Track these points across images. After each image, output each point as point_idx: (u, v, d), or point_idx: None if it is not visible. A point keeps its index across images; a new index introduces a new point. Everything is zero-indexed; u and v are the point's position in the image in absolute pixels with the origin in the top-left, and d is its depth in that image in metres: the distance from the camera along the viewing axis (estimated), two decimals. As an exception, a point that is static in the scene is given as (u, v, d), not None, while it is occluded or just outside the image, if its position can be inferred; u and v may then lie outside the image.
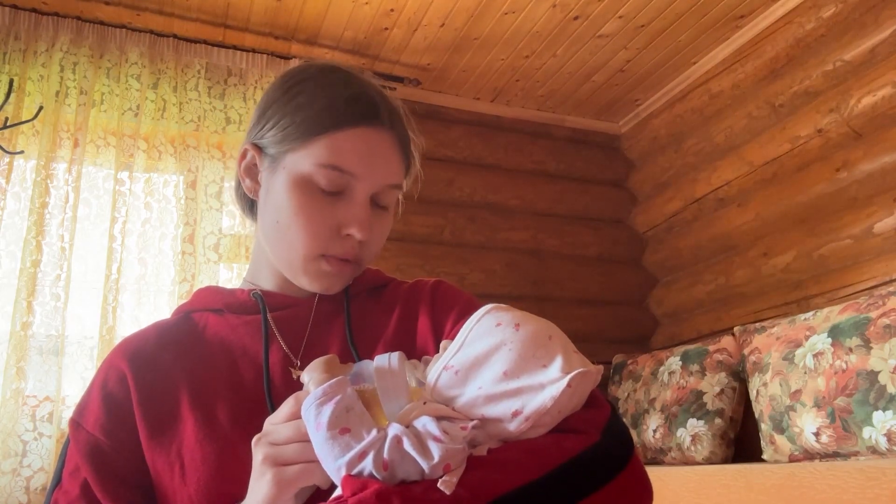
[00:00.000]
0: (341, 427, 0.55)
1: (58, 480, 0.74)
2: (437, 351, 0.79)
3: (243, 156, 0.83)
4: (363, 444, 0.54)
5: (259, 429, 0.65)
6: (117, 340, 2.13)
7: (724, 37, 2.61)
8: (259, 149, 0.81)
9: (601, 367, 0.61)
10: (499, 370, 0.58)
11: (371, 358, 0.77)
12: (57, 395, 2.04)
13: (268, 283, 0.85)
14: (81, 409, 0.75)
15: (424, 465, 0.52)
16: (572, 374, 0.56)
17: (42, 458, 1.99)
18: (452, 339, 0.77)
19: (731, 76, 2.65)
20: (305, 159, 0.76)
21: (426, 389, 0.61)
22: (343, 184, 0.77)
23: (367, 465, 0.53)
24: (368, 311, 0.84)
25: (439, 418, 0.56)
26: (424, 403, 0.58)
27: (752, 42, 2.55)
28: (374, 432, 0.55)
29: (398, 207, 0.87)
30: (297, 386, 0.73)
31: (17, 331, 2.04)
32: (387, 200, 0.81)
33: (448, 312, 0.81)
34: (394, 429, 0.55)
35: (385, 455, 0.53)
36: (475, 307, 0.81)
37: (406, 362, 0.62)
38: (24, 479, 1.96)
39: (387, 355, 0.61)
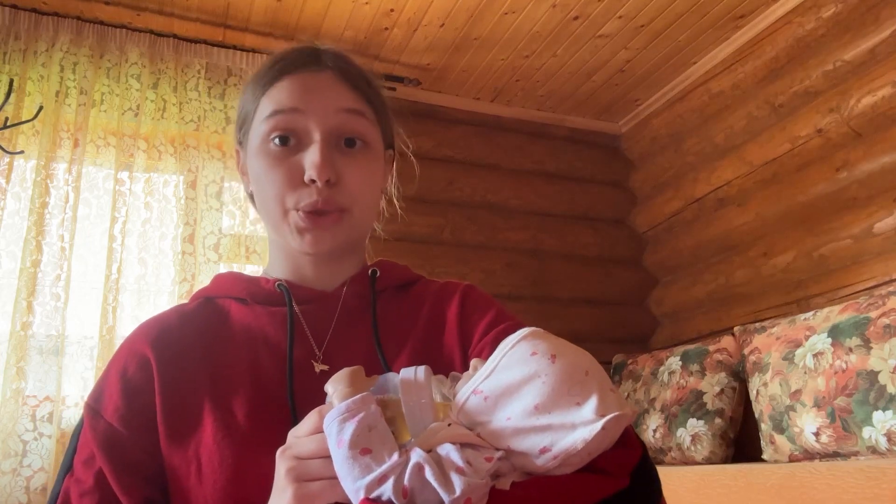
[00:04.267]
0: (363, 447, 0.54)
1: (69, 467, 0.72)
2: (464, 362, 0.77)
3: (237, 157, 0.87)
4: (384, 467, 0.53)
5: (278, 427, 0.64)
6: (117, 340, 2.13)
7: (724, 37, 2.61)
8: (241, 144, 0.85)
9: (636, 408, 0.59)
10: (530, 403, 0.55)
11: (396, 360, 0.76)
12: (57, 395, 2.04)
13: (287, 275, 0.83)
14: (98, 394, 0.73)
15: (445, 497, 0.51)
16: (607, 417, 0.54)
17: (42, 458, 1.99)
18: (479, 351, 0.76)
19: (731, 76, 2.65)
20: (257, 124, 0.79)
21: (453, 409, 0.59)
22: (292, 126, 0.77)
23: (387, 491, 0.51)
24: (396, 309, 0.83)
25: (463, 445, 0.55)
26: (449, 425, 0.57)
27: (752, 42, 2.55)
28: (395, 456, 0.53)
29: (379, 150, 0.83)
30: (320, 381, 0.71)
31: (17, 331, 2.04)
32: (350, 131, 0.78)
33: (478, 321, 0.79)
34: (416, 455, 0.53)
35: (405, 482, 0.52)
36: (506, 317, 0.79)
37: (432, 377, 0.60)
38: (24, 479, 1.96)
39: (413, 369, 0.59)
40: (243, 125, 0.83)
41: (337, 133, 0.78)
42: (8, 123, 2.16)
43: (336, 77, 0.80)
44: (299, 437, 0.59)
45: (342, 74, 0.80)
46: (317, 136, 0.76)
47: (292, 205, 0.76)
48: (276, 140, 0.77)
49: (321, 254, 0.79)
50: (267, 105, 0.78)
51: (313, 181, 0.75)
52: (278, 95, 0.78)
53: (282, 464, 0.58)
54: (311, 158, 0.75)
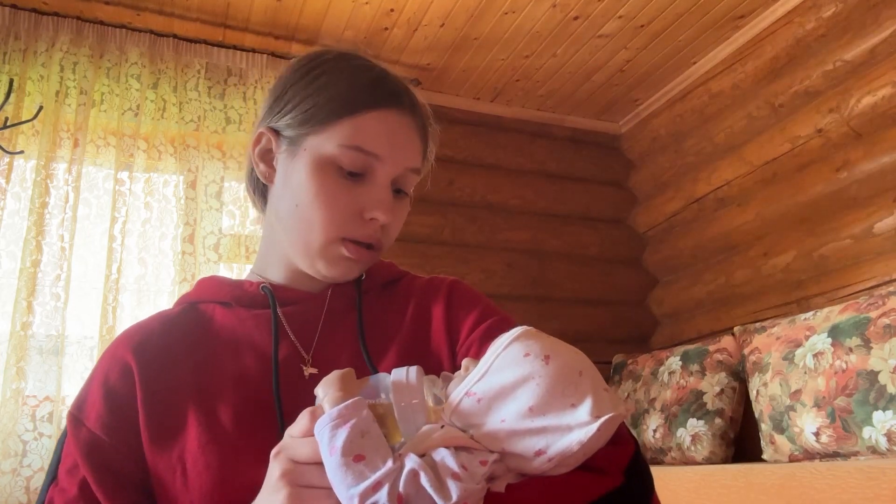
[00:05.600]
0: (356, 454, 0.52)
1: (53, 476, 0.71)
2: (452, 359, 0.76)
3: (258, 140, 0.81)
4: (378, 474, 0.52)
5: (264, 430, 0.64)
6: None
7: (724, 37, 2.61)
8: (276, 132, 0.80)
9: (630, 406, 0.59)
10: (524, 405, 0.55)
11: (382, 360, 0.75)
12: (57, 395, 2.04)
13: (277, 276, 0.82)
14: (80, 403, 0.72)
15: None
16: (603, 419, 0.54)
17: (42, 458, 1.99)
18: (467, 349, 0.75)
19: (731, 76, 2.65)
20: (328, 141, 0.75)
21: (446, 411, 0.58)
22: (365, 166, 0.76)
23: (382, 498, 0.51)
24: (381, 308, 0.82)
25: (458, 448, 0.54)
26: (442, 427, 0.56)
27: (752, 42, 2.55)
28: (389, 463, 0.52)
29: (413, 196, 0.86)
30: (308, 384, 0.71)
31: (17, 331, 2.04)
32: (406, 185, 0.80)
33: (464, 317, 0.79)
34: (411, 461, 0.53)
35: (400, 489, 0.51)
36: (493, 313, 0.79)
37: (424, 378, 0.59)
38: (24, 479, 1.96)
39: (404, 369, 0.58)
40: (303, 122, 0.77)
41: (397, 183, 0.80)
42: (8, 123, 2.16)
43: (414, 127, 0.80)
44: (294, 436, 0.58)
45: (419, 122, 0.81)
46: (384, 180, 0.77)
47: (343, 234, 0.76)
48: (345, 166, 0.76)
49: (340, 281, 0.81)
50: (351, 133, 0.75)
51: (373, 219, 0.76)
52: (367, 131, 0.76)
53: (277, 465, 0.57)
54: (378, 197, 0.76)
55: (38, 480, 1.97)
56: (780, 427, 1.87)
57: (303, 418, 0.58)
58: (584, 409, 0.55)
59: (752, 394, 2.04)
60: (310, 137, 0.76)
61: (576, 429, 0.54)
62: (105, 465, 0.69)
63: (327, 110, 0.76)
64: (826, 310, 1.92)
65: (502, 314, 0.80)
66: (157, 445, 0.69)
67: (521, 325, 0.64)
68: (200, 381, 0.73)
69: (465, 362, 0.62)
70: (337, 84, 0.77)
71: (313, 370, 0.75)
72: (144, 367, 0.73)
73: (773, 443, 1.90)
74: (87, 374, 2.10)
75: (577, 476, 0.56)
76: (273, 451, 0.58)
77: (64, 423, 2.02)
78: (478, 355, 0.63)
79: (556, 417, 0.55)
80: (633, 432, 2.53)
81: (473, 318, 0.78)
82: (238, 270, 2.37)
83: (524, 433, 0.55)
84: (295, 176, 0.77)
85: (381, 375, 0.60)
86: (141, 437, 0.70)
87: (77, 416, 0.71)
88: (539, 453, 0.55)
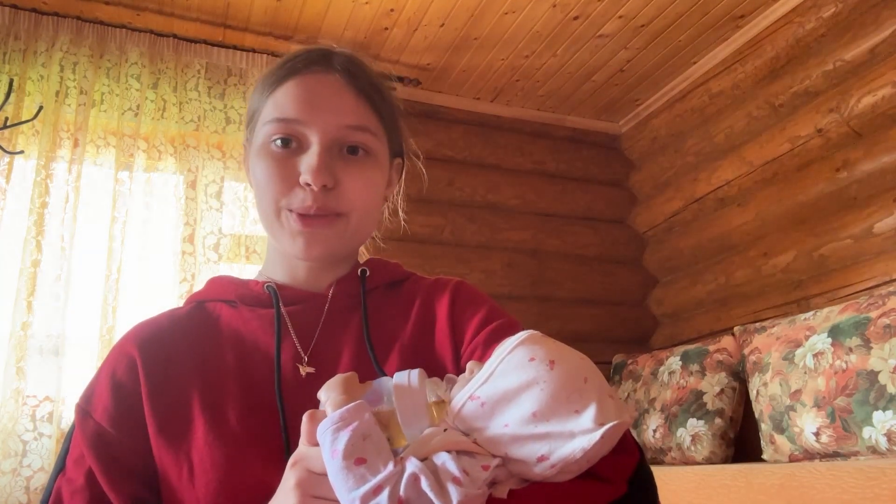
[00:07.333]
0: (357, 457, 0.53)
1: (61, 466, 0.72)
2: (456, 360, 0.76)
3: (244, 153, 0.87)
4: (379, 477, 0.52)
5: (268, 429, 0.64)
6: (117, 340, 2.13)
7: (724, 37, 2.61)
8: (248, 141, 0.85)
9: (635, 413, 0.58)
10: (528, 410, 0.55)
11: (386, 360, 0.75)
12: (57, 395, 2.05)
13: (281, 276, 0.83)
14: (89, 395, 0.73)
15: None
16: (607, 426, 0.53)
17: (42, 458, 1.99)
18: (472, 350, 0.74)
19: (731, 76, 2.65)
20: (260, 127, 0.79)
21: (449, 415, 0.58)
22: (293, 133, 0.77)
23: (383, 502, 0.51)
24: (386, 308, 0.82)
25: (459, 453, 0.54)
26: (445, 430, 0.56)
27: (752, 42, 2.55)
28: (390, 466, 0.53)
29: (384, 160, 0.82)
30: (307, 384, 0.71)
31: (17, 331, 2.04)
32: (357, 143, 0.78)
33: (469, 318, 0.78)
34: (412, 465, 0.53)
35: (401, 492, 0.51)
36: (498, 314, 0.78)
37: (427, 381, 0.59)
38: (24, 479, 1.96)
39: (406, 373, 0.58)
40: (250, 122, 0.83)
41: (339, 143, 0.78)
42: (8, 123, 2.16)
43: (344, 83, 0.79)
44: (307, 445, 0.58)
45: (351, 80, 0.79)
46: (314, 143, 0.76)
47: (285, 205, 0.76)
48: (278, 142, 0.77)
49: (314, 259, 0.79)
50: (271, 109, 0.78)
51: (308, 184, 0.74)
52: (283, 100, 0.77)
53: (293, 474, 0.57)
54: (307, 162, 0.75)
55: (38, 480, 1.97)
56: (780, 427, 1.87)
57: (303, 422, 0.59)
58: (588, 416, 0.54)
59: (752, 394, 2.04)
60: (255, 131, 0.81)
61: (579, 436, 0.54)
62: (110, 457, 0.70)
63: (258, 99, 0.82)
64: (826, 310, 1.92)
65: (508, 316, 0.80)
66: (163, 440, 0.70)
67: (525, 327, 0.63)
68: (206, 379, 0.74)
69: (469, 365, 0.61)
70: (266, 76, 0.82)
71: (310, 370, 0.75)
72: (149, 361, 0.74)
73: (773, 443, 1.90)
74: (87, 374, 2.11)
75: (580, 484, 0.56)
76: (291, 460, 0.59)
77: (64, 422, 2.03)
78: (482, 358, 0.62)
79: (559, 423, 0.54)
80: (633, 432, 2.54)
81: (478, 320, 0.78)
82: (238, 270, 2.36)
83: (527, 438, 0.55)
84: (252, 171, 0.81)
85: (384, 379, 0.60)
86: (147, 430, 0.71)
87: (85, 408, 0.73)
88: (542, 459, 0.54)
